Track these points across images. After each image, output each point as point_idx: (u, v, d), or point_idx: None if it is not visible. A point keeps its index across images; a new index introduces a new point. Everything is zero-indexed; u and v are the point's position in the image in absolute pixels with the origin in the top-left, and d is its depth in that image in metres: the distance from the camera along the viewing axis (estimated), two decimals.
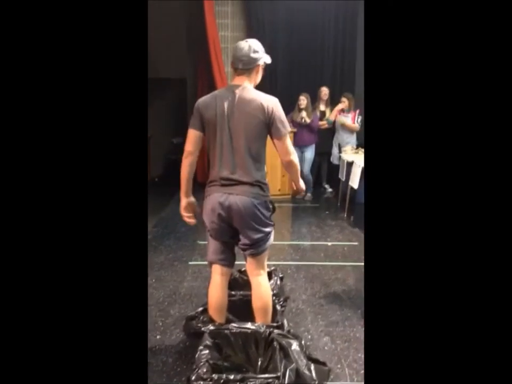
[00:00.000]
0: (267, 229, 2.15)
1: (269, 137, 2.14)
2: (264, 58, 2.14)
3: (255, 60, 2.09)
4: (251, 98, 2.06)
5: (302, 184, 2.34)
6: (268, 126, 2.07)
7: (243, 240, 2.15)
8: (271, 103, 2.07)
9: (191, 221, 2.29)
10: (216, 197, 2.10)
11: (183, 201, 2.28)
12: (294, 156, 2.16)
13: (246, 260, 2.22)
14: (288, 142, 2.13)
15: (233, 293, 2.49)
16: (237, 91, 2.07)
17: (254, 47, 2.08)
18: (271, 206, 2.17)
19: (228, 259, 2.22)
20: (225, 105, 2.06)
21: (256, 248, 2.15)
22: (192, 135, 2.17)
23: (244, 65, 2.08)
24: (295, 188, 2.41)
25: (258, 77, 2.17)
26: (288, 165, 2.19)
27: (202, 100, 2.17)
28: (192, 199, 2.28)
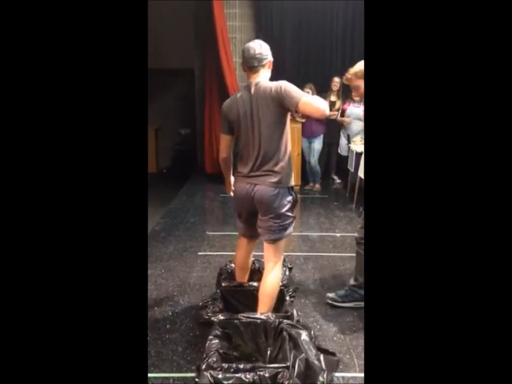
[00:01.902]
0: (285, 219, 2.28)
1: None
2: (271, 55, 2.34)
3: (266, 56, 2.29)
4: (264, 89, 2.21)
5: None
6: (284, 103, 2.14)
7: (260, 224, 2.33)
8: (279, 83, 2.19)
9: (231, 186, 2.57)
10: (242, 186, 2.32)
11: (228, 182, 2.60)
12: (325, 106, 2.11)
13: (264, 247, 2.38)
14: (310, 99, 2.13)
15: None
16: (253, 87, 2.24)
17: (263, 45, 2.29)
18: (291, 197, 2.30)
19: (252, 234, 2.48)
20: (245, 103, 2.25)
21: (271, 234, 2.30)
22: (224, 140, 2.41)
23: (258, 63, 2.26)
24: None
25: (269, 72, 2.35)
26: (323, 114, 2.13)
27: (226, 103, 2.37)
28: (232, 178, 2.55)
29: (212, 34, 5.99)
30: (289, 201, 2.29)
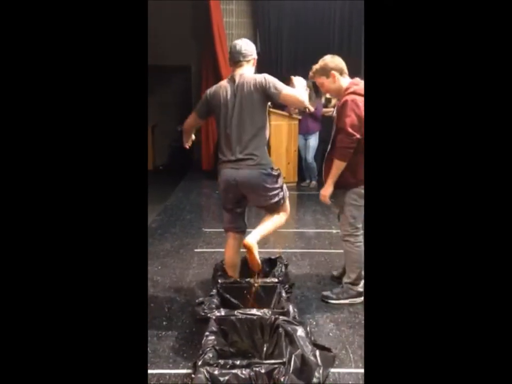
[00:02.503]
0: (275, 192, 2.46)
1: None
2: (256, 53, 2.55)
3: (251, 53, 2.50)
4: (247, 80, 2.39)
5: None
6: (267, 93, 2.35)
7: (257, 205, 2.55)
8: (263, 75, 2.40)
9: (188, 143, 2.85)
10: (227, 173, 2.44)
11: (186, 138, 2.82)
12: (303, 96, 2.40)
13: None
14: (291, 91, 2.39)
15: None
16: (237, 77, 2.43)
17: (249, 43, 2.50)
18: (273, 172, 2.45)
19: (240, 227, 2.60)
20: (228, 92, 2.42)
21: (272, 207, 2.51)
22: (192, 117, 2.66)
23: (243, 58, 2.46)
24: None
25: (253, 69, 2.53)
26: (302, 104, 2.48)
27: (210, 90, 2.55)
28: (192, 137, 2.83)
29: (208, 31, 5.97)
30: (273, 177, 2.44)
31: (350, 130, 2.46)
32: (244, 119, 2.38)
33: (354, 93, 2.51)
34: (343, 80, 2.61)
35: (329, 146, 2.68)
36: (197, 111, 2.62)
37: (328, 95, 5.88)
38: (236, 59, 2.47)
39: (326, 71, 2.60)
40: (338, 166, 2.55)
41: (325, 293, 2.80)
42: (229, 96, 2.41)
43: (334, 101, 5.90)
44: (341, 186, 2.61)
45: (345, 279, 2.78)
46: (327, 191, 2.61)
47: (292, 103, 2.46)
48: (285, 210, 2.60)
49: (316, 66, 2.64)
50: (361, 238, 2.66)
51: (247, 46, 2.48)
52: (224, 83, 2.49)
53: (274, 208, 2.53)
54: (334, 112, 2.73)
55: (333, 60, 2.62)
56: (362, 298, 2.67)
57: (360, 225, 2.66)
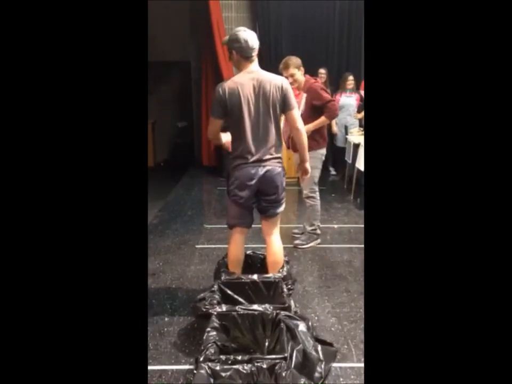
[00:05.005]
0: (284, 193, 2.58)
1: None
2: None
3: (257, 43, 2.44)
4: (268, 80, 2.39)
5: (308, 166, 2.70)
6: (282, 101, 2.41)
7: (266, 203, 2.54)
8: (285, 82, 2.45)
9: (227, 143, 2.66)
10: (247, 171, 2.44)
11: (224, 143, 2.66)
12: (302, 125, 2.54)
13: (262, 223, 2.64)
14: (297, 112, 2.51)
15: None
16: (255, 75, 2.40)
17: (254, 34, 2.42)
18: (283, 172, 2.57)
19: (248, 221, 2.62)
20: (249, 91, 2.38)
21: (275, 209, 2.56)
22: (214, 124, 2.48)
23: (255, 52, 2.41)
24: (299, 168, 2.76)
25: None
26: (298, 132, 2.53)
27: (224, 87, 2.40)
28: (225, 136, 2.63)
29: (207, 26, 5.94)
30: (284, 178, 2.57)
31: (331, 98, 3.52)
32: (268, 116, 2.39)
33: (316, 81, 3.55)
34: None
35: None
36: (215, 115, 2.43)
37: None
38: (248, 54, 2.39)
39: (297, 65, 3.42)
40: (322, 123, 3.47)
41: (295, 242, 3.64)
42: (249, 94, 2.36)
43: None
44: (310, 148, 2.96)
45: (308, 228, 3.66)
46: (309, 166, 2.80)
47: (292, 125, 2.49)
48: (278, 227, 2.64)
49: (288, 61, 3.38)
50: (318, 194, 3.65)
51: (256, 40, 2.41)
52: (240, 80, 2.39)
53: (275, 212, 2.56)
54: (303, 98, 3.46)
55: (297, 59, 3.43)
56: (319, 240, 3.69)
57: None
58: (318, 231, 3.70)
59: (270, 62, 5.91)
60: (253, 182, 2.44)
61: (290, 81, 3.39)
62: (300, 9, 6.27)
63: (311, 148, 3.15)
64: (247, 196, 2.48)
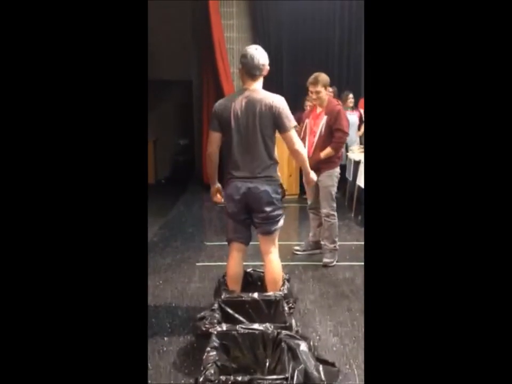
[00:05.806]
0: (277, 211, 2.51)
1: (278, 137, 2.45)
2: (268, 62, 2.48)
3: (266, 64, 2.43)
4: (261, 98, 2.37)
5: (313, 175, 2.69)
6: (276, 121, 2.38)
7: (258, 220, 2.50)
8: (278, 101, 2.39)
9: (219, 200, 2.70)
10: (234, 185, 2.46)
11: (212, 188, 2.69)
12: (299, 146, 2.49)
13: (259, 241, 2.59)
14: (294, 134, 2.45)
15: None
16: (249, 93, 2.39)
17: (264, 54, 2.42)
18: (280, 190, 2.55)
19: (245, 237, 2.59)
20: (239, 107, 2.37)
21: (270, 226, 2.50)
22: (212, 136, 2.51)
23: (260, 72, 2.41)
24: (305, 180, 2.82)
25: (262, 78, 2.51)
26: (295, 154, 2.52)
27: (218, 104, 2.48)
28: (218, 185, 2.67)
29: (209, 46, 6.02)
30: (278, 194, 2.53)
31: (346, 130, 3.53)
32: (258, 135, 2.38)
33: (339, 105, 3.59)
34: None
35: (315, 139, 3.50)
36: (211, 127, 2.49)
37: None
38: (252, 72, 2.39)
39: (325, 84, 3.47)
40: (329, 155, 3.48)
41: (324, 260, 3.61)
42: (240, 111, 2.36)
43: None
44: (327, 168, 3.46)
45: (330, 245, 3.64)
46: (315, 175, 2.82)
47: (289, 147, 2.46)
48: (276, 245, 2.59)
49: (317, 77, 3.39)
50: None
51: (264, 59, 2.39)
52: (233, 96, 2.44)
53: (270, 229, 2.51)
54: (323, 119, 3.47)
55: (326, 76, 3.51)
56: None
57: None
58: (337, 247, 3.73)
59: (271, 67, 5.97)
60: (239, 197, 2.45)
61: (314, 98, 3.52)
62: (300, 30, 6.36)
63: (329, 168, 3.51)
64: (236, 209, 2.49)
